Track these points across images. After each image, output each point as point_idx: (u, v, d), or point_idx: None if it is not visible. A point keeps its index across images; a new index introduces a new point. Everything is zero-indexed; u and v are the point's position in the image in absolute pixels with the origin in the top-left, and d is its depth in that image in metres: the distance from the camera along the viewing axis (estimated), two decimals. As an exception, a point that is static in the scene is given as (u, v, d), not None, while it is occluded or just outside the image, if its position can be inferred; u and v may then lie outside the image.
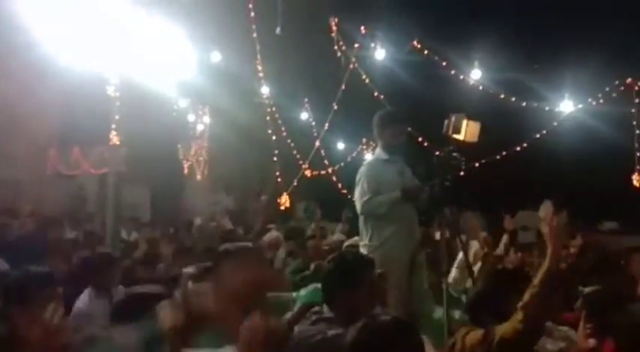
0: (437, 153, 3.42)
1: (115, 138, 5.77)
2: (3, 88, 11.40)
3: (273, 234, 6.02)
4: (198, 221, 9.44)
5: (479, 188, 8.71)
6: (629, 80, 6.32)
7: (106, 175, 5.93)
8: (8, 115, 11.96)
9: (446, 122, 3.40)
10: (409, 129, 4.62)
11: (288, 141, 11.26)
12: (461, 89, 6.87)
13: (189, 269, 3.94)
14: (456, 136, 3.38)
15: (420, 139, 6.37)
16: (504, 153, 7.10)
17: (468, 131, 3.38)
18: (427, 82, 7.75)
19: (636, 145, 6.43)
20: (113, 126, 5.73)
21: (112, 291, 3.32)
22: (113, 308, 1.89)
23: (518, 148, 7.05)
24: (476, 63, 6.69)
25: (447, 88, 7.17)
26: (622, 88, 6.36)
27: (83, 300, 3.18)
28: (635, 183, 6.36)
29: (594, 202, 9.58)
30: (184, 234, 7.61)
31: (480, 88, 6.80)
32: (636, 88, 6.26)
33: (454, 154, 3.37)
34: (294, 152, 11.34)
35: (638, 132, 6.46)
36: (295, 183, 11.20)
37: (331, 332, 2.06)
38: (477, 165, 7.08)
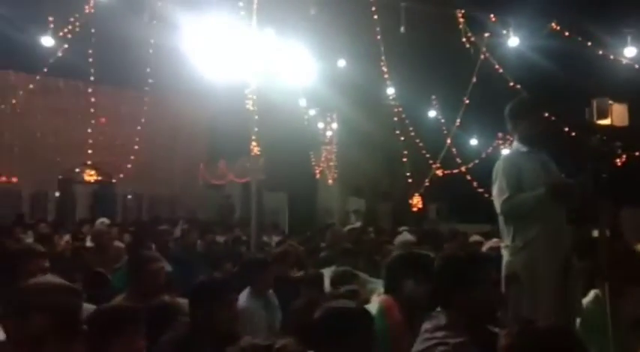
0: (586, 142, 3.07)
1: (255, 149, 6.20)
2: (162, 114, 13.00)
3: (406, 237, 5.91)
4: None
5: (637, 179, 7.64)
6: None
7: (249, 184, 6.40)
8: (167, 139, 13.62)
9: (587, 109, 3.05)
10: (552, 118, 4.25)
11: (417, 140, 11.07)
12: (612, 70, 6.08)
13: (326, 272, 4.07)
14: (602, 122, 3.01)
15: (565, 129, 5.79)
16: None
17: (615, 115, 3.00)
18: (570, 66, 7.01)
19: None
20: (253, 137, 6.17)
21: (267, 294, 3.55)
22: (314, 327, 1.88)
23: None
24: (629, 39, 5.87)
25: (595, 70, 6.40)
26: None
27: (242, 298, 3.41)
28: None
29: None
30: (319, 237, 7.86)
31: (636, 66, 5.96)
32: None
33: (605, 141, 3.01)
34: (424, 152, 11.10)
35: None
36: (427, 184, 10.95)
37: (453, 341, 1.93)
38: (637, 154, 6.23)
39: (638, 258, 4.08)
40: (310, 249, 5.96)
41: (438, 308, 2.09)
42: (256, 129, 6.19)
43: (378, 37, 8.73)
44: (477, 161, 10.37)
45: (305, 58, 6.58)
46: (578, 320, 3.25)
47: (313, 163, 13.73)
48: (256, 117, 6.16)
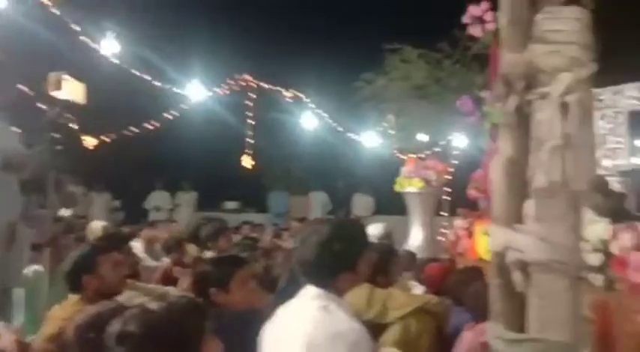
0: (45, 113, 3.11)
1: None
2: None
3: None
4: None
5: (109, 166, 8.44)
6: (246, 75, 7.41)
7: None
8: None
9: (45, 82, 3.17)
10: (24, 88, 4.07)
11: None
12: (92, 58, 6.45)
13: None
14: (57, 94, 3.17)
15: (32, 99, 5.64)
16: (137, 131, 7.10)
17: (71, 90, 3.22)
18: (55, 41, 6.91)
19: (248, 132, 7.62)
20: None
21: None
22: None
23: (151, 127, 7.19)
24: (110, 33, 6.43)
25: (75, 51, 6.59)
26: (242, 83, 7.38)
27: None
28: (245, 164, 7.49)
29: (218, 184, 10.78)
30: None
31: (115, 61, 6.56)
32: (252, 84, 7.38)
33: (63, 114, 3.15)
34: None
35: (250, 122, 7.64)
36: None
37: None
38: (107, 140, 6.83)
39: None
40: None
41: None
42: None
43: None
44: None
45: None
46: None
47: None
48: None
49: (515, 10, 1.28)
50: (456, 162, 7.19)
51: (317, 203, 10.87)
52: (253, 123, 7.61)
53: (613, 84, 7.60)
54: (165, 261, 5.08)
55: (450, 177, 7.10)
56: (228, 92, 7.31)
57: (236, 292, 2.24)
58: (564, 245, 1.20)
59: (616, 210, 5.48)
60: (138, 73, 6.19)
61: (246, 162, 7.45)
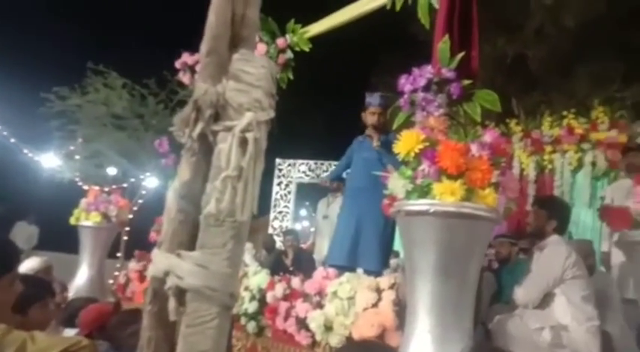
0: None
1: None
2: None
3: None
4: None
5: None
6: None
7: None
8: None
9: None
10: None
11: None
12: None
13: None
14: None
15: None
16: None
17: None
18: None
19: None
20: None
21: None
22: None
23: None
24: None
25: None
26: None
27: None
28: None
29: None
30: None
31: None
32: None
33: None
34: None
35: None
36: None
37: None
38: None
39: None
40: None
41: None
42: None
43: None
44: None
45: None
46: None
47: None
48: None
49: (215, 43, 1.34)
50: (142, 201, 6.97)
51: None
52: None
53: (291, 158, 9.03)
54: None
55: (132, 217, 6.78)
56: None
57: None
58: (220, 272, 1.24)
59: (276, 264, 6.26)
60: None
61: None
